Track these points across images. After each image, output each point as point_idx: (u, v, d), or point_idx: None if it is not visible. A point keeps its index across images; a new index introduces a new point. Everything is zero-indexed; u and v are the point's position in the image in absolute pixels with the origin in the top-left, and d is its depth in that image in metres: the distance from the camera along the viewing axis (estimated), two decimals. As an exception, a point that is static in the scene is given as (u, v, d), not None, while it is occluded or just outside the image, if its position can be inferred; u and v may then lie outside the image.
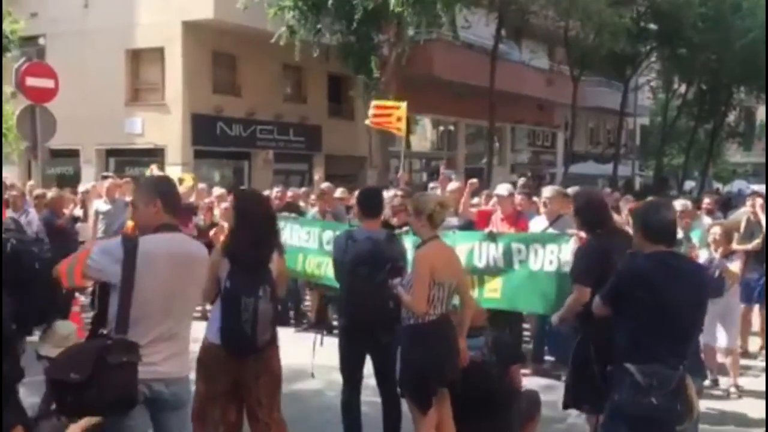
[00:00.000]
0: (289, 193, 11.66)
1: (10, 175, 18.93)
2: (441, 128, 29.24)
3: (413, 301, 4.37)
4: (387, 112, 10.79)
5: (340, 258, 5.08)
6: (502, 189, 7.99)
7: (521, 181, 10.95)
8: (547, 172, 33.61)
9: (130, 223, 10.33)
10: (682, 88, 34.74)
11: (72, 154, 21.09)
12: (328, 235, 8.00)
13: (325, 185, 11.11)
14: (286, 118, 22.54)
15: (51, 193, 10.16)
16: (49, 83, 11.34)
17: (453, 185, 8.77)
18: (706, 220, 8.95)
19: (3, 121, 15.64)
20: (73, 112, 20.02)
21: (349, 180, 21.62)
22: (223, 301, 4.07)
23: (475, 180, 8.74)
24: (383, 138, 19.16)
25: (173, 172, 17.65)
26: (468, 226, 8.23)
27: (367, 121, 11.45)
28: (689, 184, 38.04)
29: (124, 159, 20.62)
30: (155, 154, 19.83)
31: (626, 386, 3.61)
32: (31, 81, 11.13)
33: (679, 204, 8.01)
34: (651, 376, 3.58)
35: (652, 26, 29.54)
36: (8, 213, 9.58)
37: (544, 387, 7.04)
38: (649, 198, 7.54)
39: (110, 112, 20.02)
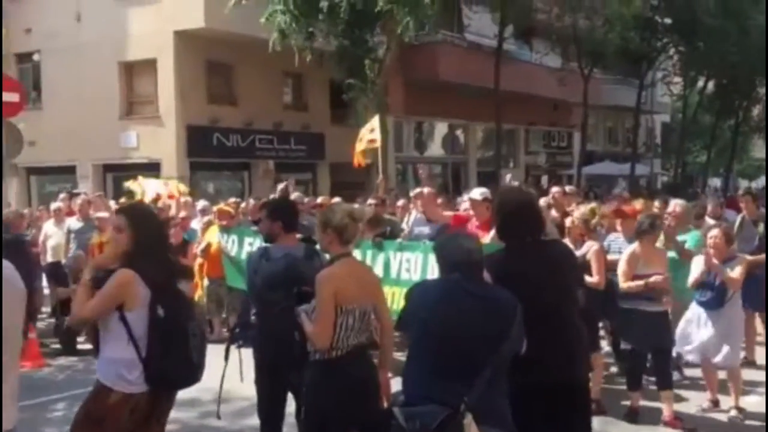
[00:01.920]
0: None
1: (8, 193, 18.67)
2: (450, 132, 28.47)
3: (315, 333, 3.70)
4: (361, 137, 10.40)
5: (251, 279, 4.39)
6: (476, 193, 7.27)
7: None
8: (564, 173, 32.67)
9: (95, 240, 10.01)
10: (701, 83, 33.62)
11: (69, 171, 20.80)
12: None
13: (322, 198, 10.63)
14: (287, 126, 21.99)
15: (8, 213, 9.65)
16: (13, 97, 10.80)
17: (417, 190, 8.07)
18: (710, 223, 8.17)
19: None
20: (69, 127, 19.80)
21: (356, 188, 21.09)
22: (157, 332, 3.56)
23: (430, 190, 8.10)
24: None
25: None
26: (442, 232, 7.57)
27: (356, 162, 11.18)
28: (714, 182, 36.87)
29: (121, 174, 20.18)
30: (151, 168, 19.40)
31: None
32: (-6, 95, 10.59)
33: (674, 204, 7.51)
34: (414, 418, 3.09)
35: (667, 20, 28.57)
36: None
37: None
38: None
39: (105, 126, 19.66)
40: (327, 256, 4.53)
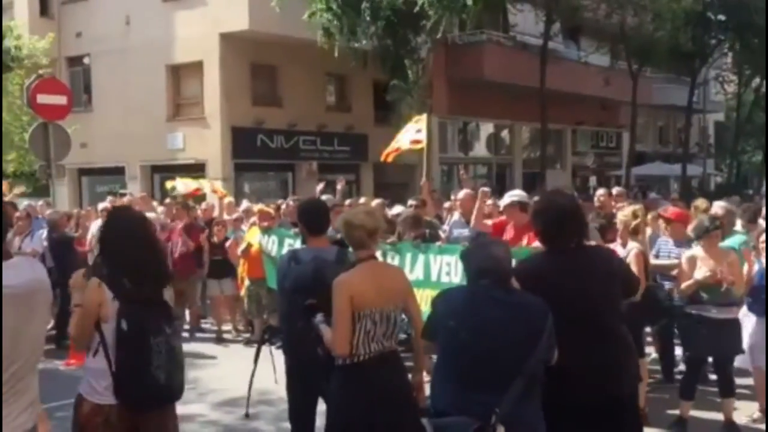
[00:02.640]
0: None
1: (61, 194, 19.13)
2: (495, 132, 28.17)
3: (333, 340, 3.60)
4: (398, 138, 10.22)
5: (281, 283, 4.32)
6: (506, 198, 7.08)
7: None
8: (612, 174, 32.04)
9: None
10: (756, 81, 32.60)
11: (118, 172, 21.23)
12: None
13: (363, 199, 10.56)
14: (330, 127, 22.04)
15: (51, 214, 9.87)
16: (61, 100, 11.05)
17: (462, 193, 7.92)
18: (763, 225, 7.86)
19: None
20: (118, 129, 20.22)
21: (400, 189, 21.03)
22: (120, 347, 3.37)
23: (487, 189, 7.88)
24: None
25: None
26: (478, 238, 7.43)
27: (383, 158, 10.98)
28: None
29: (168, 175, 20.49)
30: (197, 169, 19.69)
31: None
32: (42, 98, 10.86)
33: (716, 206, 7.38)
34: (444, 431, 3.00)
35: (720, 17, 27.77)
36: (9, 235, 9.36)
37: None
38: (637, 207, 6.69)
39: (153, 127, 20.01)
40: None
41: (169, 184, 12.51)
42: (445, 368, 3.26)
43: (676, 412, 6.12)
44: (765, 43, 22.10)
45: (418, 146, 10.38)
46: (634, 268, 5.98)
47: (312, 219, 4.37)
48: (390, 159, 11.10)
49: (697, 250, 6.00)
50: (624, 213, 6.44)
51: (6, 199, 11.22)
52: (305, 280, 4.07)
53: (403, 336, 5.49)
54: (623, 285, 3.75)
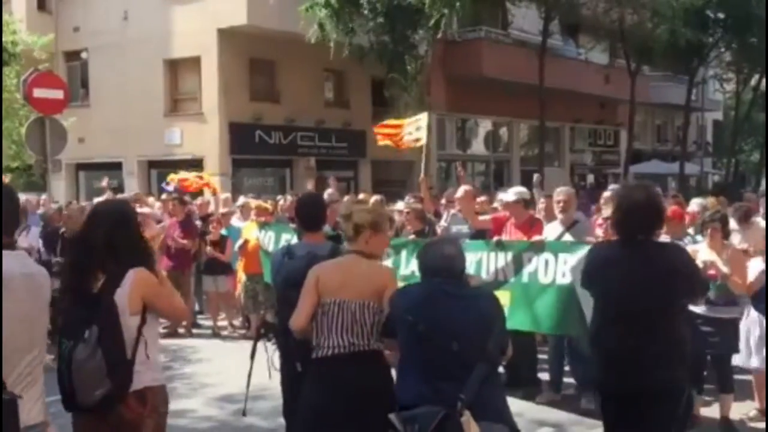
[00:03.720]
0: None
1: (57, 188, 19.09)
2: (494, 129, 28.15)
3: (292, 317, 3.70)
4: (397, 131, 10.13)
5: (274, 278, 4.31)
6: (509, 195, 7.09)
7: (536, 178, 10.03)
8: (610, 172, 32.04)
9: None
10: (755, 80, 32.58)
11: (116, 167, 21.16)
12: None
13: (362, 195, 10.50)
14: (329, 123, 22.00)
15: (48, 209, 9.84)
16: (57, 94, 11.00)
17: (461, 191, 7.92)
18: (761, 224, 7.85)
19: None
20: (115, 124, 20.16)
21: (398, 186, 21.00)
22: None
23: (469, 188, 7.91)
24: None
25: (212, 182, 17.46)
26: (482, 234, 7.42)
27: (375, 132, 10.80)
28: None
29: (165, 170, 20.43)
30: (194, 165, 19.60)
31: None
32: (39, 92, 10.81)
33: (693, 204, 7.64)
34: (412, 422, 3.10)
35: (720, 15, 27.75)
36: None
37: (567, 421, 6.17)
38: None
39: (150, 123, 19.95)
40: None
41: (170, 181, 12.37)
42: (408, 362, 3.39)
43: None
44: (765, 41, 22.04)
45: (418, 144, 10.33)
46: None
47: (307, 214, 4.35)
48: (384, 142, 10.95)
49: (699, 245, 5.99)
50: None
51: None
52: (298, 275, 4.02)
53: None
54: (685, 283, 3.78)
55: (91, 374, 3.14)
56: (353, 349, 3.61)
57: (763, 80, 31.38)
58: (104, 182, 12.36)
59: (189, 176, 12.22)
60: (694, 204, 7.46)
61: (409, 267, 6.89)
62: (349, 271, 3.72)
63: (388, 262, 7.06)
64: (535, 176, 10.13)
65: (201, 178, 12.34)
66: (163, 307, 3.43)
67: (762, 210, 9.58)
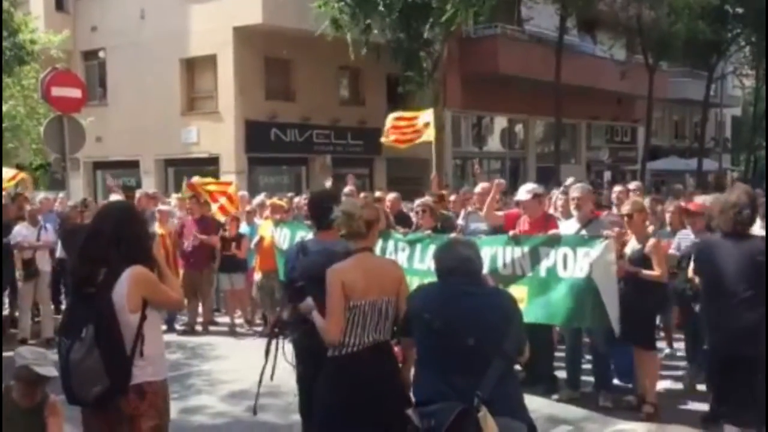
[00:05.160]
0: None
1: (76, 187, 19.25)
2: (509, 127, 28.04)
3: (326, 328, 3.64)
4: (410, 124, 10.08)
5: (289, 273, 4.30)
6: (522, 193, 7.06)
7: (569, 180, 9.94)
8: (627, 169, 31.82)
9: (158, 232, 10.19)
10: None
11: (133, 165, 21.32)
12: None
13: (379, 193, 10.46)
14: (344, 121, 22.01)
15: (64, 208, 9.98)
16: (75, 92, 11.07)
17: (479, 187, 7.88)
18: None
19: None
20: (132, 123, 20.29)
21: (413, 183, 20.98)
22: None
23: (501, 181, 7.85)
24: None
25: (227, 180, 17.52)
26: (498, 231, 7.40)
27: (383, 139, 10.77)
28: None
29: (182, 169, 20.57)
30: (211, 163, 19.76)
31: None
32: (57, 91, 10.89)
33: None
34: (429, 417, 3.13)
35: (738, 10, 27.47)
36: (24, 226, 9.41)
37: (584, 418, 6.14)
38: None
39: (167, 121, 20.07)
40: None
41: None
42: (425, 359, 3.41)
43: (705, 406, 6.07)
44: (765, 41, 21.78)
45: (423, 138, 10.29)
46: (654, 258, 5.99)
47: (321, 212, 4.35)
48: (391, 145, 10.94)
49: None
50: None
51: (24, 192, 11.25)
52: (313, 271, 4.02)
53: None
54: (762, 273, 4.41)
55: (88, 372, 3.19)
56: (375, 343, 3.67)
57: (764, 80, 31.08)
58: (110, 181, 12.42)
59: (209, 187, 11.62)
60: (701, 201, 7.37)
61: (425, 262, 6.88)
62: (370, 269, 3.76)
63: (403, 257, 7.07)
64: (476, 165, 10.10)
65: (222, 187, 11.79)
66: (160, 301, 3.52)
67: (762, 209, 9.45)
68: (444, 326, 3.27)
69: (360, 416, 3.57)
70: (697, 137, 33.68)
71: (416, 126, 10.07)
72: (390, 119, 10.58)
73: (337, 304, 3.61)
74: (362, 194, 11.14)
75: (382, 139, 11.11)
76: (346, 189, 10.22)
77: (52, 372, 3.86)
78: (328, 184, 9.89)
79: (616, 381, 6.77)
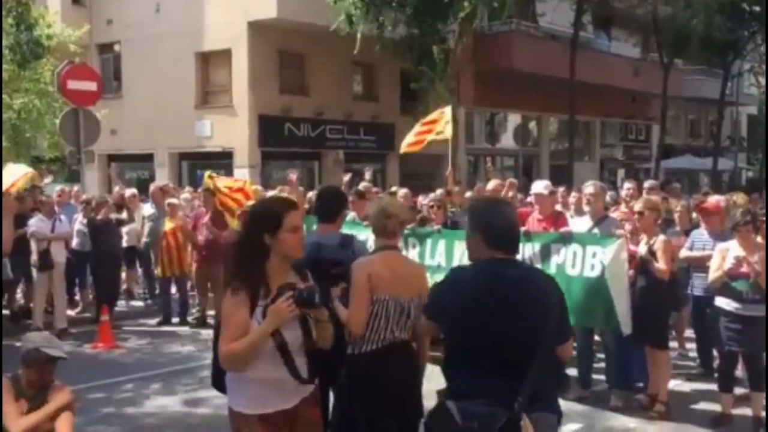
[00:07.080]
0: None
1: (91, 179, 19.38)
2: (523, 123, 27.95)
3: (350, 318, 3.62)
4: (431, 128, 10.07)
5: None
6: (540, 186, 7.07)
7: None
8: (641, 167, 31.65)
9: (169, 225, 10.25)
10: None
11: (147, 159, 21.43)
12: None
13: (364, 185, 10.43)
14: (357, 116, 22.02)
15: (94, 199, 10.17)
16: (91, 86, 11.17)
17: (492, 184, 7.89)
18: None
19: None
20: (147, 116, 20.38)
21: (426, 179, 20.98)
22: None
23: (514, 180, 7.86)
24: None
25: (241, 174, 17.58)
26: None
27: (402, 150, 10.76)
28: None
29: (196, 162, 20.68)
30: (224, 157, 19.85)
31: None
32: (72, 84, 10.99)
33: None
34: (471, 418, 2.76)
35: (756, 8, 27.23)
36: (39, 217, 9.49)
37: (595, 417, 6.14)
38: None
39: (181, 115, 20.13)
40: (370, 246, 4.49)
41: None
42: (462, 350, 3.05)
43: (717, 406, 6.07)
44: (765, 41, 21.59)
45: (442, 137, 10.28)
46: (660, 254, 5.98)
47: (322, 206, 4.44)
48: (409, 150, 10.95)
49: (731, 243, 5.93)
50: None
51: (41, 184, 11.33)
52: (306, 264, 4.02)
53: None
54: None
55: None
56: (395, 341, 3.69)
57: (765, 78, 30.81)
58: (111, 171, 12.53)
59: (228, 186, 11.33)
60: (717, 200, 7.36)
61: (435, 258, 6.90)
62: (396, 266, 3.78)
63: (414, 252, 7.08)
64: (488, 162, 10.08)
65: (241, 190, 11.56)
66: None
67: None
68: (487, 319, 2.94)
69: (376, 423, 3.58)
70: (712, 136, 33.44)
71: (435, 128, 10.04)
72: (412, 134, 10.54)
73: (361, 295, 3.63)
74: (374, 189, 11.09)
75: (402, 150, 11.08)
76: (362, 184, 10.24)
77: (62, 353, 3.97)
78: (347, 178, 9.87)
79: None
